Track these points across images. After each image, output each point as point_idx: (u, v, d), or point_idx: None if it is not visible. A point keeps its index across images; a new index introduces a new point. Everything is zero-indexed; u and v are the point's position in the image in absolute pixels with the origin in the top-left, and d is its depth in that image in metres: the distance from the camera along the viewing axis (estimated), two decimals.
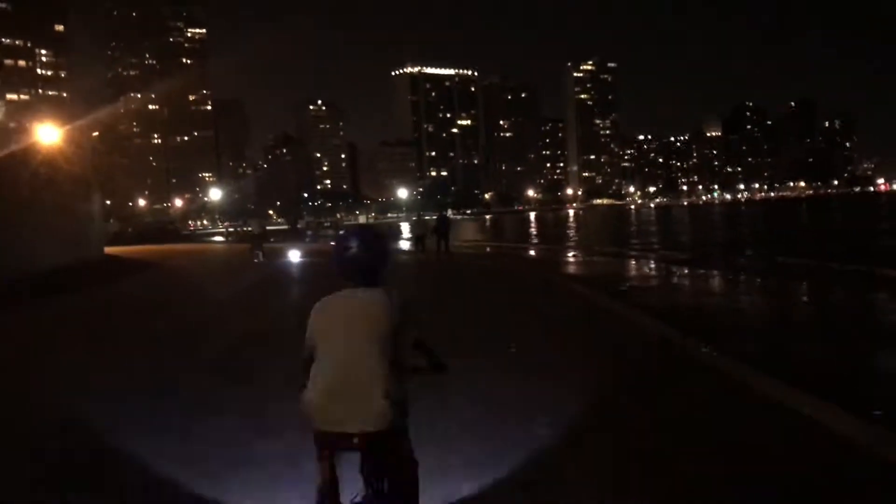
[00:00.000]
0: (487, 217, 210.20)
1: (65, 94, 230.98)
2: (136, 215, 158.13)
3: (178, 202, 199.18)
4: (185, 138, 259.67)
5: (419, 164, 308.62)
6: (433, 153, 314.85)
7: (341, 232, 3.72)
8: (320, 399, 3.23)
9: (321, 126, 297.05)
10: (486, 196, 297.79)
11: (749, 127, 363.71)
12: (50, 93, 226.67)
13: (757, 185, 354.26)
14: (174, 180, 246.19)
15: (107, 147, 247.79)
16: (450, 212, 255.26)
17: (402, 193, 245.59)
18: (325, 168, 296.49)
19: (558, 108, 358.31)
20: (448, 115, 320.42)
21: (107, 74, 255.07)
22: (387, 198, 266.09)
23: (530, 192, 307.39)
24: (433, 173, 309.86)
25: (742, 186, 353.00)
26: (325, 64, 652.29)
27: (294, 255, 32.60)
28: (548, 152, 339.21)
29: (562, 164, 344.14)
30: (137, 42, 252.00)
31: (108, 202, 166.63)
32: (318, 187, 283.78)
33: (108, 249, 37.87)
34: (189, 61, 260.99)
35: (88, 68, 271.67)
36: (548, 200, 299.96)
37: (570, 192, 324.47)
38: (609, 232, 68.69)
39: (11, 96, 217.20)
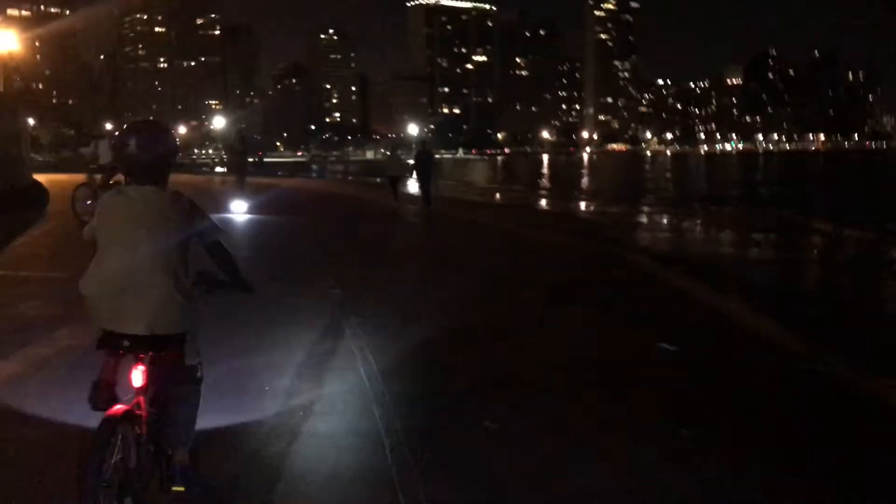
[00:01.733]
0: (499, 158, 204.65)
1: (66, 12, 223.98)
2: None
3: (182, 129, 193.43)
4: (192, 63, 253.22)
5: (431, 101, 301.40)
6: (446, 89, 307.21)
7: (124, 126, 3.59)
8: (98, 293, 3.21)
9: (332, 56, 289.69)
10: (499, 136, 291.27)
11: (770, 76, 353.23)
12: (52, 10, 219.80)
13: (776, 136, 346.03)
14: (180, 107, 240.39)
15: (111, 69, 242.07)
16: (460, 151, 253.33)
17: (413, 130, 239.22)
18: (334, 100, 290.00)
19: (577, 47, 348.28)
20: (463, 51, 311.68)
21: None
22: (397, 133, 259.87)
23: (544, 134, 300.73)
24: (445, 110, 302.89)
25: (760, 137, 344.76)
26: None
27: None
28: (564, 93, 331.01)
29: (577, 107, 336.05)
30: None
31: (110, 126, 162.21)
32: (327, 120, 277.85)
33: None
34: None
35: None
36: (562, 143, 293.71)
37: (585, 135, 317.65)
38: (630, 180, 63.86)
39: (12, 12, 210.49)
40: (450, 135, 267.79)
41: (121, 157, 3.34)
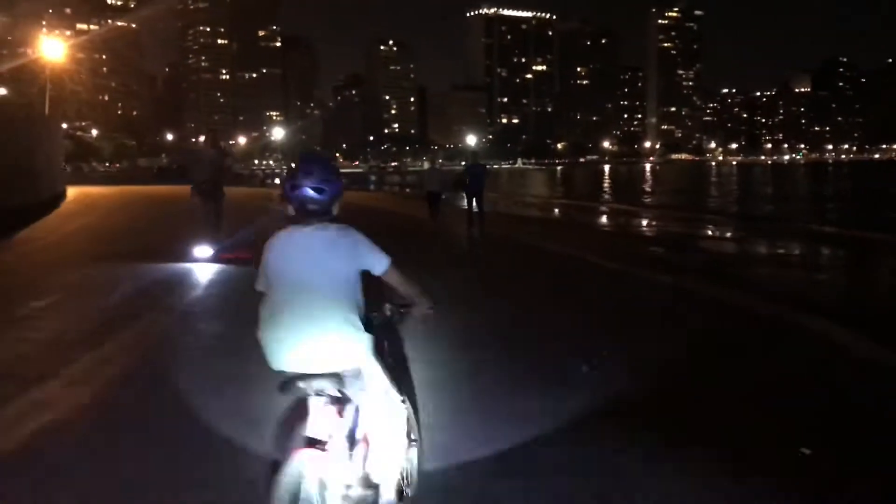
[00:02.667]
0: (558, 168, 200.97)
1: (133, 26, 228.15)
2: (191, 151, 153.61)
3: (243, 140, 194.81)
4: (254, 75, 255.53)
5: (490, 111, 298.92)
6: (505, 99, 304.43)
7: (295, 164, 3.43)
8: (278, 337, 3.18)
9: (391, 67, 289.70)
10: (559, 146, 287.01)
11: (840, 84, 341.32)
12: (119, 23, 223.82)
13: (846, 146, 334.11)
14: (241, 118, 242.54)
15: (174, 80, 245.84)
16: (520, 161, 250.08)
17: (471, 140, 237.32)
18: (392, 111, 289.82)
19: (639, 56, 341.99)
20: (522, 60, 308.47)
21: (176, 6, 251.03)
22: (454, 144, 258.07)
23: (605, 144, 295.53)
24: (504, 120, 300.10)
25: (830, 147, 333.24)
26: (398, 2, 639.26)
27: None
28: (625, 102, 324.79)
29: (639, 116, 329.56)
30: None
31: (171, 137, 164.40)
32: (386, 131, 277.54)
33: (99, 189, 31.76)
34: None
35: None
36: (623, 153, 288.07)
37: (647, 145, 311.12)
38: (705, 193, 59.48)
39: (81, 26, 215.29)
40: (508, 145, 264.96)
41: (293, 196, 3.26)
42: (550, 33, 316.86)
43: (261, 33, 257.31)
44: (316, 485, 2.99)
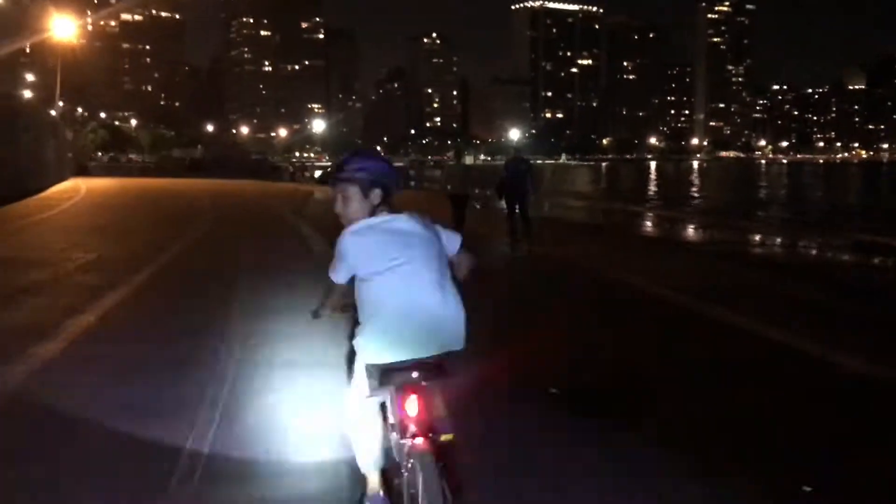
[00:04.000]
0: (603, 165, 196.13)
1: (178, 17, 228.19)
2: (230, 145, 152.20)
3: (283, 132, 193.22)
4: (296, 67, 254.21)
5: (534, 105, 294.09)
6: (549, 93, 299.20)
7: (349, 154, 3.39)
8: (386, 328, 3.01)
9: (434, 60, 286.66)
10: (604, 142, 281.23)
11: None
12: (163, 14, 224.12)
13: None
14: (283, 110, 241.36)
15: (217, 72, 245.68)
16: (563, 157, 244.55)
17: (514, 134, 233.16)
18: (435, 105, 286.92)
19: (687, 51, 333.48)
20: (568, 54, 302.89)
21: None
22: (497, 138, 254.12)
23: (652, 140, 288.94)
24: (548, 115, 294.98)
25: (885, 146, 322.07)
26: None
27: None
28: (673, 98, 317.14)
29: (687, 112, 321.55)
30: None
31: (211, 128, 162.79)
32: (428, 125, 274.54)
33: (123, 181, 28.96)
34: None
35: None
36: (670, 149, 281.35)
37: (695, 141, 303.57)
38: (772, 196, 54.31)
39: (126, 17, 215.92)
40: (552, 140, 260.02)
41: (381, 184, 3.21)
42: (597, 27, 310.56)
43: (304, 25, 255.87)
44: (417, 475, 2.86)
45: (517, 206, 13.95)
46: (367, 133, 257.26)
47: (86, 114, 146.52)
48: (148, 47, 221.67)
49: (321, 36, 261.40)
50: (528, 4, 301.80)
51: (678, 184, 75.96)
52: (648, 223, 26.89)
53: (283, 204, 25.92)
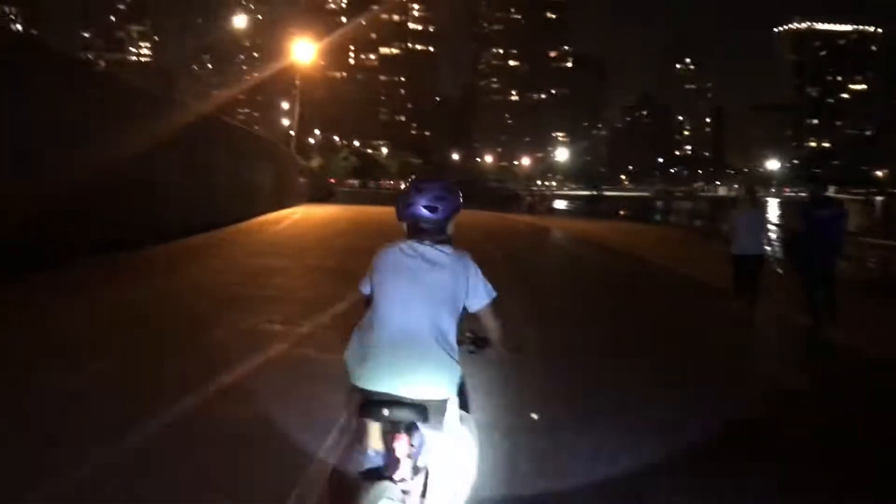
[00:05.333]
0: (877, 199, 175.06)
1: (432, 49, 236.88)
2: (471, 172, 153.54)
3: (526, 161, 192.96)
4: (542, 96, 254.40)
5: (797, 133, 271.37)
6: (815, 121, 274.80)
7: (410, 180, 3.43)
8: (367, 353, 3.06)
9: (686, 86, 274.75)
10: (879, 174, 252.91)
11: None
12: (419, 47, 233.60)
13: None
14: (527, 139, 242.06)
15: (466, 102, 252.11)
16: (831, 189, 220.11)
17: (773, 164, 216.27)
18: (685, 132, 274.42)
19: None
20: (838, 78, 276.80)
21: (471, 29, 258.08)
22: (754, 168, 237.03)
23: None
24: (812, 143, 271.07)
25: None
26: (696, 19, 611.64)
27: None
28: None
29: None
30: None
31: (456, 156, 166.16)
32: (677, 153, 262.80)
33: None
34: (552, 15, 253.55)
35: (457, 22, 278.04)
36: None
37: None
38: None
39: (384, 50, 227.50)
40: (816, 170, 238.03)
41: (405, 215, 3.22)
42: (874, 48, 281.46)
43: (552, 54, 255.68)
44: None
45: (820, 272, 9.09)
46: (611, 161, 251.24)
47: (344, 142, 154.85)
48: (403, 79, 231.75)
49: (569, 64, 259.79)
50: (793, 26, 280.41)
51: None
52: None
53: (500, 248, 19.82)
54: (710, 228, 35.20)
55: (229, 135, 24.15)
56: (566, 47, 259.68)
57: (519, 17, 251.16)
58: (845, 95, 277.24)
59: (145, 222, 15.63)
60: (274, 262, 14.42)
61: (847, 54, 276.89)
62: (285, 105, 70.60)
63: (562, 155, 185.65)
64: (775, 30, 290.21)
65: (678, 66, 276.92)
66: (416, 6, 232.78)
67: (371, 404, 2.98)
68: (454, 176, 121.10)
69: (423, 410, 2.96)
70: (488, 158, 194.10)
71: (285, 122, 67.85)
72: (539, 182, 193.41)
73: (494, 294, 3.18)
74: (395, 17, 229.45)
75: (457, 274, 3.10)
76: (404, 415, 2.95)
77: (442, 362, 3.02)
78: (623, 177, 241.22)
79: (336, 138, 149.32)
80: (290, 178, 37.79)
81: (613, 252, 21.27)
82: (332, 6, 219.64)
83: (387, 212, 36.89)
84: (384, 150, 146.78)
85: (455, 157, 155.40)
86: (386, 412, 2.94)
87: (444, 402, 3.06)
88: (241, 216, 22.96)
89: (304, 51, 45.13)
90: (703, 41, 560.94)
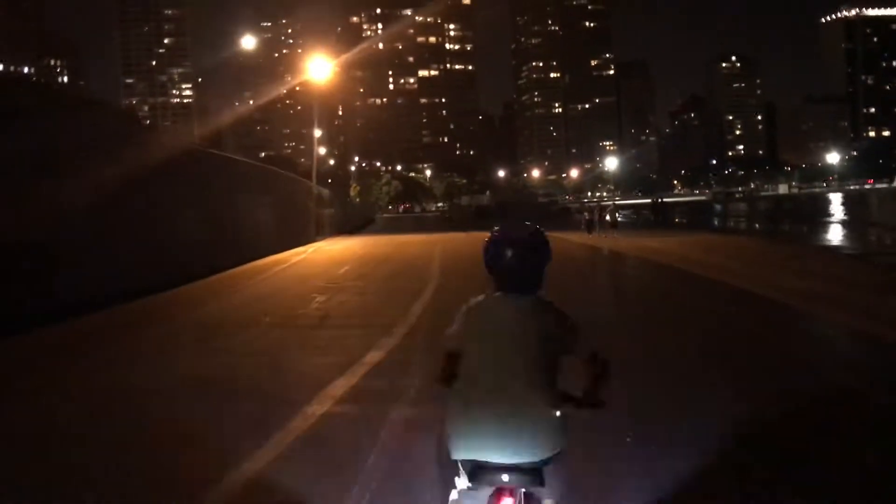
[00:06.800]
0: None
1: (470, 67, 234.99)
2: (519, 188, 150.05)
3: (574, 173, 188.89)
4: (586, 106, 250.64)
5: (853, 124, 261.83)
6: (871, 110, 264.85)
7: (496, 230, 3.13)
8: (473, 421, 2.82)
9: (734, 85, 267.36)
10: None
11: None
12: (457, 67, 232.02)
13: None
14: (574, 150, 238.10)
15: (508, 118, 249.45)
16: None
17: (832, 158, 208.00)
18: (737, 132, 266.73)
19: None
20: (893, 64, 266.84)
21: (510, 45, 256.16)
22: (811, 164, 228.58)
23: None
24: (871, 133, 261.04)
25: None
26: (737, 15, 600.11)
27: None
28: None
29: None
30: (541, 9, 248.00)
31: (502, 173, 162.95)
32: (729, 153, 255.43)
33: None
34: (591, 24, 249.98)
35: (494, 39, 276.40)
36: None
37: None
38: None
39: (423, 73, 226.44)
40: (879, 161, 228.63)
41: (494, 266, 3.01)
42: None
43: (594, 63, 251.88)
44: None
45: None
46: (662, 167, 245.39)
47: (387, 168, 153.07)
48: (444, 100, 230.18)
49: (612, 72, 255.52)
50: (842, 15, 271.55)
51: None
52: None
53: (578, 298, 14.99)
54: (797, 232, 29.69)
55: (199, 168, 19.93)
56: (608, 55, 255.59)
57: (556, 28, 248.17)
58: None
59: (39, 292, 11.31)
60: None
61: None
62: (317, 132, 68.65)
63: (611, 164, 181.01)
64: (823, 20, 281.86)
65: (724, 64, 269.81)
66: (451, 26, 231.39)
67: (481, 470, 2.75)
68: (501, 194, 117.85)
69: (538, 474, 2.75)
70: (535, 173, 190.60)
71: (322, 150, 65.79)
72: (588, 193, 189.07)
73: (591, 340, 2.96)
74: (432, 39, 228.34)
75: (546, 323, 2.90)
76: (521, 479, 2.73)
77: (549, 418, 2.80)
78: (675, 182, 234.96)
79: (378, 164, 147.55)
80: (302, 212, 34.53)
81: (710, 285, 14.81)
82: (369, 33, 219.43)
83: (427, 241, 31.53)
84: (428, 173, 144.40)
85: (501, 174, 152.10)
86: (505, 478, 2.73)
87: (547, 461, 2.79)
88: (219, 265, 18.80)
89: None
90: (748, 38, 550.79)
